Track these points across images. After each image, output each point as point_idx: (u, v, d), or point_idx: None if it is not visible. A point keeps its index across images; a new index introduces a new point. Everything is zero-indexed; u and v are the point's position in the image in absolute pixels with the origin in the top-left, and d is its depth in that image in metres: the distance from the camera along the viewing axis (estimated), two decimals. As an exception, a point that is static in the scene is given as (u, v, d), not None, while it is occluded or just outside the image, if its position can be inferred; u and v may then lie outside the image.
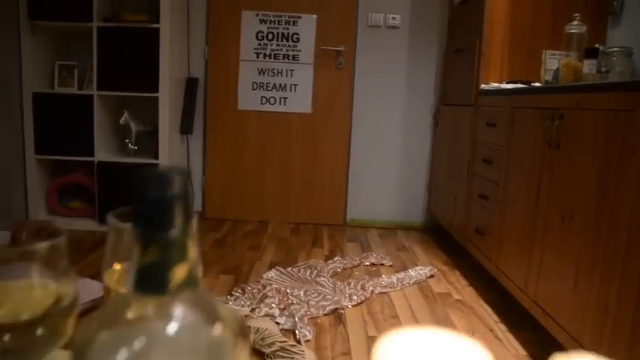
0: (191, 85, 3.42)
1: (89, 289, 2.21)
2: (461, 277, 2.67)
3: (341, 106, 3.50)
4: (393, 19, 3.43)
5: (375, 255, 2.88)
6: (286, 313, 2.05)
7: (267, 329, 1.80)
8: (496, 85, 2.66)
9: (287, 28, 3.42)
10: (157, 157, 3.11)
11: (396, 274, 2.58)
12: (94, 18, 2.98)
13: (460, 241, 2.88)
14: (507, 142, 2.31)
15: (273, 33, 3.43)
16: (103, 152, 3.19)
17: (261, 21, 3.42)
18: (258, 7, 3.41)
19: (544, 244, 1.90)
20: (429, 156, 3.56)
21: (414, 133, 3.54)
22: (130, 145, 3.21)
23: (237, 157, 3.56)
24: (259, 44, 3.44)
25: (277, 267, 2.58)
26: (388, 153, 3.56)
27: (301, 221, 3.62)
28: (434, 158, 3.52)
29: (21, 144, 3.13)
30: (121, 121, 3.12)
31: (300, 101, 3.49)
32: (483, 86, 2.73)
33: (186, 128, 3.36)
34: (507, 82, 2.69)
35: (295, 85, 3.47)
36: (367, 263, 2.79)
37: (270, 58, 3.45)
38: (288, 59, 3.45)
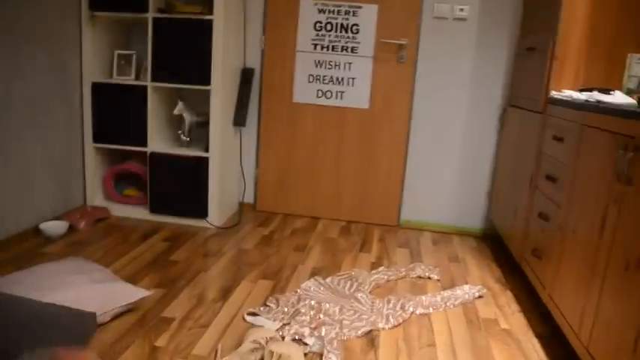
0: (246, 75, 3.35)
1: (126, 293, 2.22)
2: (512, 301, 2.48)
3: (400, 102, 3.32)
4: (461, 10, 3.18)
5: (422, 267, 2.74)
6: (316, 334, 1.98)
7: (289, 356, 1.73)
8: (568, 93, 2.40)
9: (346, 19, 3.25)
10: (207, 150, 3.09)
11: (442, 293, 2.43)
12: (149, 9, 2.97)
13: (516, 258, 2.68)
14: (574, 162, 2.08)
15: (331, 23, 3.27)
16: (157, 142, 3.21)
17: (320, 10, 3.27)
18: None
19: (604, 287, 1.69)
20: (492, 159, 3.32)
21: (478, 134, 3.30)
22: (182, 136, 3.21)
23: (291, 150, 3.49)
24: (317, 35, 3.30)
25: (317, 277, 2.50)
26: (448, 153, 3.35)
27: (353, 219, 3.51)
28: (497, 163, 3.29)
29: (80, 132, 3.20)
30: (175, 112, 3.12)
31: (357, 96, 3.33)
32: (554, 93, 2.48)
33: (239, 120, 3.31)
34: (582, 90, 2.42)
35: (353, 79, 3.32)
36: (413, 276, 2.66)
37: (327, 49, 3.31)
38: (347, 51, 3.29)
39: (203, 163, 3.09)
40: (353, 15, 3.25)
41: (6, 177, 2.65)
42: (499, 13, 3.15)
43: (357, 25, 3.25)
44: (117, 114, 3.15)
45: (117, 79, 3.22)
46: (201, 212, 3.15)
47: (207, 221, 3.16)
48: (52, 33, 2.87)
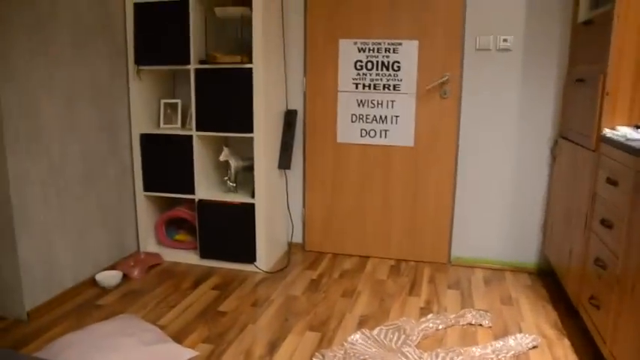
0: (289, 117, 3.38)
1: (174, 354, 2.26)
2: (570, 351, 2.35)
3: (446, 138, 3.24)
4: (505, 41, 3.08)
5: (473, 312, 2.65)
6: (363, 397, 1.94)
7: None
8: (623, 131, 2.26)
9: (387, 56, 3.22)
10: (253, 195, 3.13)
11: (493, 344, 2.34)
12: (191, 61, 3.04)
13: (573, 302, 2.55)
14: (630, 210, 1.96)
15: (372, 62, 3.25)
16: (204, 189, 3.28)
17: (360, 49, 3.26)
18: (356, 35, 3.25)
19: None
20: (545, 191, 3.19)
21: (529, 166, 3.18)
22: (228, 182, 3.26)
23: (337, 190, 3.47)
24: (358, 74, 3.29)
25: (363, 330, 2.46)
26: (499, 187, 3.25)
27: (402, 257, 3.45)
28: (550, 195, 3.15)
29: (131, 182, 3.31)
30: (220, 158, 3.17)
31: (401, 134, 3.29)
32: (607, 131, 2.35)
33: (284, 164, 3.33)
34: (638, 127, 2.29)
35: (396, 116, 3.28)
36: (463, 323, 2.58)
37: (369, 88, 3.29)
38: (389, 89, 3.26)
39: (249, 208, 3.12)
40: (393, 52, 3.21)
41: (63, 232, 2.77)
42: (545, 41, 3.04)
43: (398, 62, 3.22)
44: (165, 163, 3.24)
45: (164, 128, 3.32)
46: (250, 257, 3.18)
47: (256, 266, 3.19)
48: (102, 89, 2.99)
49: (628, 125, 2.37)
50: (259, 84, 2.97)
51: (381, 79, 3.26)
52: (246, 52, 3.01)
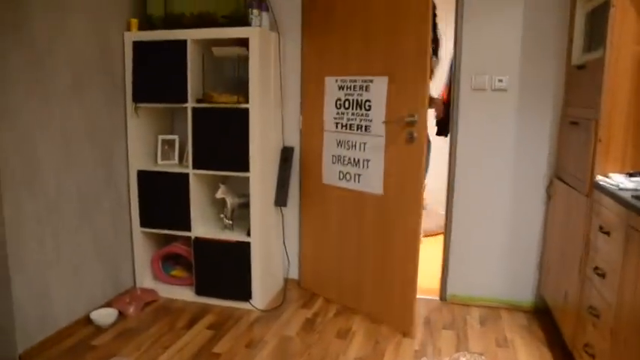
0: (286, 154, 3.40)
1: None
2: (566, 400, 2.34)
3: (411, 188, 2.87)
4: (500, 81, 3.11)
5: (468, 356, 2.64)
6: None
7: None
8: (616, 179, 2.26)
9: (360, 94, 3.08)
10: (249, 234, 3.13)
11: (489, 391, 2.33)
12: (188, 100, 3.07)
13: (569, 346, 2.54)
14: (622, 263, 1.96)
15: (349, 100, 3.13)
16: (200, 226, 3.28)
17: (340, 87, 3.18)
18: (338, 72, 3.18)
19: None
20: (541, 230, 3.19)
21: (525, 205, 3.19)
22: (225, 219, 3.27)
23: (324, 233, 3.39)
24: (337, 113, 3.20)
25: (357, 375, 2.45)
26: (494, 224, 3.25)
27: (373, 311, 3.14)
28: (546, 235, 3.15)
29: (128, 217, 3.32)
30: (217, 196, 3.19)
31: (372, 179, 3.06)
32: (599, 178, 2.36)
33: (280, 201, 3.34)
34: (631, 175, 2.29)
35: (367, 160, 3.07)
36: (458, 368, 2.56)
37: (346, 128, 3.16)
38: (361, 130, 3.08)
39: (245, 247, 3.12)
40: (366, 90, 3.05)
41: (58, 269, 2.77)
42: (540, 82, 3.06)
43: (369, 100, 3.04)
44: (161, 199, 3.25)
45: (161, 164, 3.34)
46: (245, 295, 3.18)
47: (251, 304, 3.18)
48: (99, 126, 3.02)
49: (621, 172, 2.38)
50: (255, 123, 2.99)
51: (355, 119, 3.11)
52: (243, 90, 3.04)
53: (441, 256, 3.40)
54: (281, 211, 3.50)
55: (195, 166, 3.14)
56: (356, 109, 3.10)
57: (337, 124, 3.21)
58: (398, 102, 2.91)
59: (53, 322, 2.77)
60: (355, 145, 3.12)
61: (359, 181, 3.13)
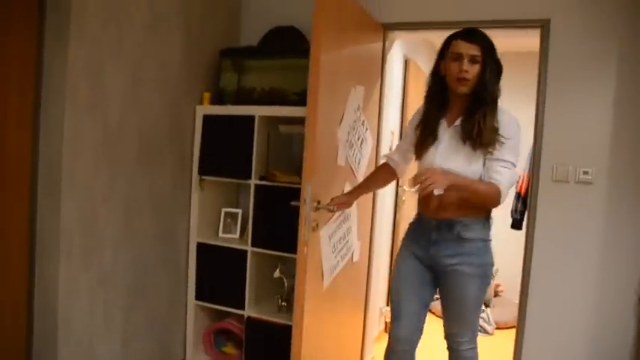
0: (348, 235, 3.25)
1: None
2: None
3: None
4: (585, 173, 2.83)
5: None
6: None
7: None
8: None
9: None
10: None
11: None
12: (252, 176, 3.04)
13: None
14: None
15: None
16: (254, 306, 3.17)
17: None
18: None
19: None
20: (630, 353, 2.79)
21: (611, 313, 2.81)
22: (280, 300, 3.14)
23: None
24: None
25: None
26: (574, 329, 2.88)
27: None
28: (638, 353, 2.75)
29: (184, 290, 3.28)
30: (275, 275, 3.08)
31: None
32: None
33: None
34: None
35: None
36: None
37: None
38: None
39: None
40: None
41: (106, 342, 2.73)
42: (633, 176, 2.75)
43: None
44: (218, 274, 3.19)
45: (222, 238, 3.30)
46: (295, 382, 2.99)
47: (299, 393, 2.99)
48: (162, 198, 3.03)
49: None
50: (316, 205, 2.89)
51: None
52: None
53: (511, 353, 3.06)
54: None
55: (254, 243, 3.06)
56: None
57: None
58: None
59: (98, 396, 2.72)
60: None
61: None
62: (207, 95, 3.22)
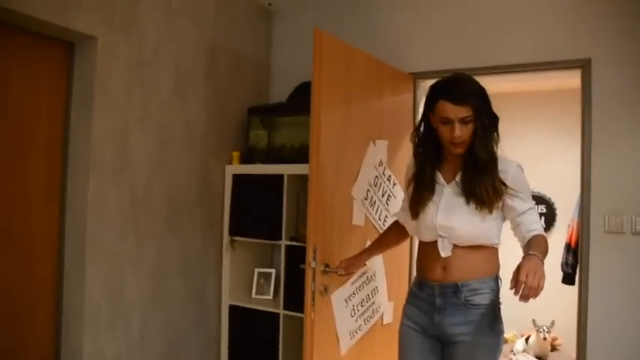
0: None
1: None
2: None
3: None
4: (643, 222, 2.59)
5: None
6: None
7: None
8: None
9: None
10: (339, 386, 2.79)
11: None
12: (282, 237, 2.95)
13: None
14: None
15: None
16: (287, 370, 3.02)
17: None
18: None
19: None
20: None
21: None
22: (313, 365, 2.97)
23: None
24: None
25: None
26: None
27: None
28: None
29: (216, 353, 3.15)
30: (308, 339, 2.92)
31: None
32: None
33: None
34: None
35: None
36: None
37: None
38: None
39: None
40: None
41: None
42: (697, 225, 2.50)
43: None
44: (251, 337, 3.07)
45: (255, 299, 3.18)
46: None
47: None
48: (192, 260, 2.96)
49: None
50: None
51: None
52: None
53: None
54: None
55: (287, 306, 2.93)
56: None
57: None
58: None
59: None
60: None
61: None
62: (236, 154, 3.18)
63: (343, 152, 2.43)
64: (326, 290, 2.31)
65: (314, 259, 2.23)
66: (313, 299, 2.23)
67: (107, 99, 2.46)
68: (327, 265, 2.28)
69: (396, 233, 2.25)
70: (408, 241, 2.77)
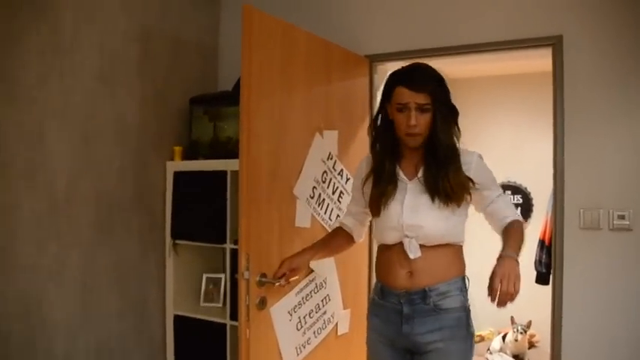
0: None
1: None
2: None
3: None
4: (621, 217, 2.33)
5: None
6: None
7: None
8: None
9: None
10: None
11: None
12: (227, 240, 2.67)
13: None
14: None
15: None
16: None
17: None
18: None
19: None
20: None
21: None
22: (267, 381, 2.72)
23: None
24: None
25: None
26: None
27: None
28: None
29: (161, 370, 2.89)
30: (260, 351, 2.66)
31: None
32: None
33: None
34: None
35: None
36: None
37: None
38: None
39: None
40: None
41: None
42: (680, 219, 2.25)
43: None
44: (199, 352, 2.80)
45: (204, 307, 2.91)
46: None
47: None
48: (129, 269, 2.70)
49: None
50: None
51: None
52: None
53: None
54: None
55: (233, 316, 2.66)
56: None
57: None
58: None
59: None
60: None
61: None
62: (178, 149, 2.88)
63: (282, 146, 2.15)
64: (264, 303, 2.05)
65: (247, 269, 1.97)
66: (248, 315, 1.97)
67: (12, 93, 2.15)
68: (263, 275, 2.02)
69: (338, 240, 2.04)
70: (366, 240, 2.54)
